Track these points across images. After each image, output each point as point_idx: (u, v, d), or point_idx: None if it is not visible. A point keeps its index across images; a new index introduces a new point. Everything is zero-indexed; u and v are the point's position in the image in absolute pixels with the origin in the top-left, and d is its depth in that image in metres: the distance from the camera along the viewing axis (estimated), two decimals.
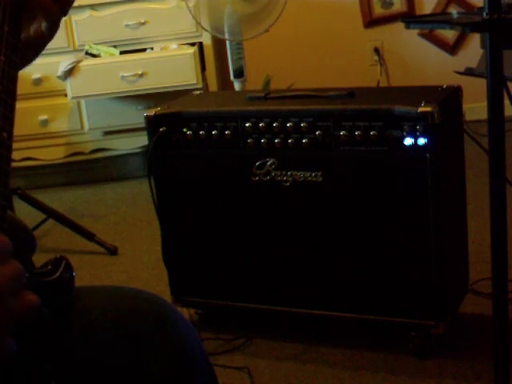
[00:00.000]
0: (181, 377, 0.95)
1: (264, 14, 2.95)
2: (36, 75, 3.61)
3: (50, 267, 0.85)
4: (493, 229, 1.55)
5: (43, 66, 3.51)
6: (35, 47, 0.99)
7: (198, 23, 2.82)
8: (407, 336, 1.95)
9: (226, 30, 2.95)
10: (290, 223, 1.99)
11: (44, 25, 0.97)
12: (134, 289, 1.05)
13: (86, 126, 3.73)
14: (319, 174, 1.92)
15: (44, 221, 2.96)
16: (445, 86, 1.98)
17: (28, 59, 0.99)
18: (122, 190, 3.66)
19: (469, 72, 2.44)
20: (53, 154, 3.78)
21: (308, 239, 1.98)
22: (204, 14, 3.05)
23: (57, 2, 0.97)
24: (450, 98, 1.94)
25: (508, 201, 1.53)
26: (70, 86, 3.48)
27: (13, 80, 0.88)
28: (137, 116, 3.55)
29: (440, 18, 1.83)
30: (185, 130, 2.04)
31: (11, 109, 0.87)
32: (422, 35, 4.13)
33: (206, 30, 2.93)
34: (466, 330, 2.06)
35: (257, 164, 1.99)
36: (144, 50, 3.63)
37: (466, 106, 2.09)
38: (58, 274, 0.84)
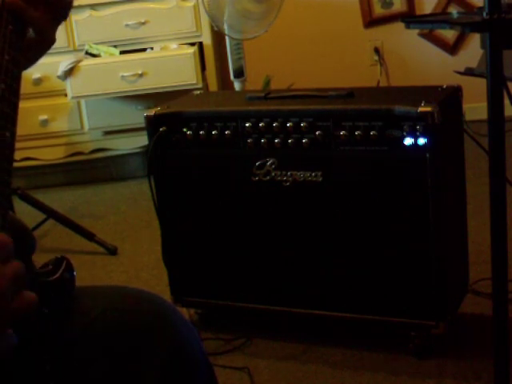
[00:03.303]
0: (181, 377, 0.95)
1: (265, 14, 2.95)
2: (36, 75, 3.62)
3: (50, 267, 0.85)
4: (493, 229, 1.55)
5: (43, 66, 3.50)
6: (36, 49, 0.98)
7: (204, 8, 2.78)
8: (407, 336, 1.95)
9: (225, 28, 2.95)
10: (289, 223, 1.99)
11: (31, 32, 0.95)
12: (134, 289, 1.05)
13: (86, 126, 3.73)
14: (319, 173, 1.92)
15: (44, 221, 2.96)
16: (445, 86, 1.98)
17: (30, 61, 0.99)
18: (122, 190, 3.65)
19: (469, 72, 2.44)
20: (53, 154, 3.78)
21: (308, 239, 1.98)
22: (203, 10, 3.03)
23: (43, 9, 0.94)
24: (450, 97, 1.94)
25: (508, 201, 1.53)
26: (70, 86, 3.48)
27: (16, 79, 0.88)
28: (137, 116, 3.55)
29: (440, 18, 1.83)
30: (185, 130, 2.04)
31: (14, 108, 0.86)
32: (422, 35, 4.13)
33: (208, 16, 2.89)
34: (465, 330, 2.05)
35: (257, 164, 1.99)
36: (144, 49, 3.63)
37: (465, 106, 2.09)
38: (58, 274, 0.84)
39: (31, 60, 0.99)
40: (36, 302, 0.76)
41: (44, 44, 0.97)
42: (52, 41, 0.98)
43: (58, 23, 0.98)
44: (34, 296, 0.76)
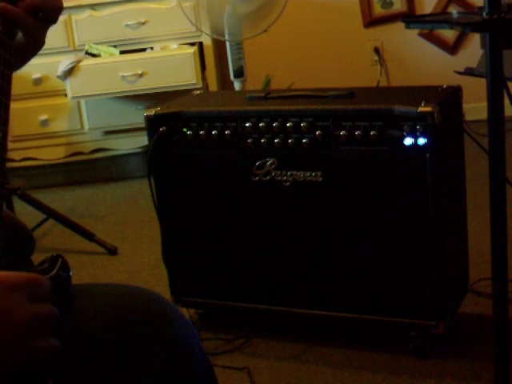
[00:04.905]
0: (180, 376, 0.95)
1: (264, 14, 2.95)
2: (36, 75, 3.61)
3: (46, 265, 0.85)
4: (493, 229, 1.55)
5: (43, 66, 3.51)
6: (27, 52, 0.99)
7: (195, 26, 2.82)
8: (407, 336, 1.95)
9: (225, 30, 2.95)
10: (289, 223, 1.99)
11: (20, 35, 0.97)
12: (133, 287, 1.04)
13: (86, 126, 3.72)
14: (319, 173, 1.92)
15: (44, 221, 2.96)
16: (445, 86, 1.98)
17: (20, 62, 1.00)
18: (122, 190, 3.66)
19: (469, 72, 2.44)
20: (53, 154, 3.77)
21: (308, 239, 1.98)
22: (203, 14, 3.05)
23: (36, 16, 0.96)
24: (450, 97, 1.94)
25: (508, 201, 1.53)
26: (70, 86, 3.48)
27: (7, 79, 0.88)
28: (137, 116, 3.55)
29: (440, 18, 1.82)
30: (185, 130, 2.04)
31: (6, 108, 0.87)
32: (422, 35, 4.13)
33: (204, 32, 2.94)
34: (465, 330, 2.05)
35: (257, 164, 1.99)
36: (144, 49, 3.63)
37: (465, 106, 2.09)
38: (54, 271, 0.84)
39: (21, 62, 1.00)
40: (58, 351, 0.76)
41: (35, 46, 1.00)
42: (42, 43, 1.02)
43: (48, 27, 1.01)
44: (58, 345, 0.75)
